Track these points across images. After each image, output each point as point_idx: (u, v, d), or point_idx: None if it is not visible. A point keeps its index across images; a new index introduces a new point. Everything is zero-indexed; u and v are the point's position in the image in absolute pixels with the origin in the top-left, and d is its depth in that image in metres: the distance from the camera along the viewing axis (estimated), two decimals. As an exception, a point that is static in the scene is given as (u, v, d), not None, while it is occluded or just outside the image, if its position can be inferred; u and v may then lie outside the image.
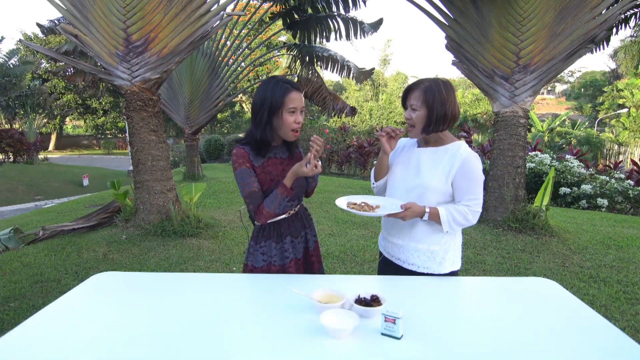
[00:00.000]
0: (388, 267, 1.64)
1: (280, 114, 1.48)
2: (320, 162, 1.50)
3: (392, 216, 1.45)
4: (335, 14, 7.64)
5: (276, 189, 1.50)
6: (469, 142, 10.25)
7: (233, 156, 1.54)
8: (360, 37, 7.94)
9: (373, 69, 9.25)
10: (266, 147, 1.54)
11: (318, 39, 8.15)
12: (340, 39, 7.96)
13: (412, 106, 1.50)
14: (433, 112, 1.46)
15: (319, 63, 8.74)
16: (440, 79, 1.52)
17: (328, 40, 8.07)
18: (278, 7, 7.89)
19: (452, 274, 1.56)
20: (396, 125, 25.38)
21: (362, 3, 7.09)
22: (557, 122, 22.98)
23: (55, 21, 8.29)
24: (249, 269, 1.62)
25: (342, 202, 1.57)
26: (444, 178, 1.48)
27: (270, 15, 8.26)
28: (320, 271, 1.76)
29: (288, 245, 1.61)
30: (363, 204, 1.53)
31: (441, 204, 1.49)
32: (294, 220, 1.65)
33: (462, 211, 1.45)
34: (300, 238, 1.66)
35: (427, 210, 1.44)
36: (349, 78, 8.85)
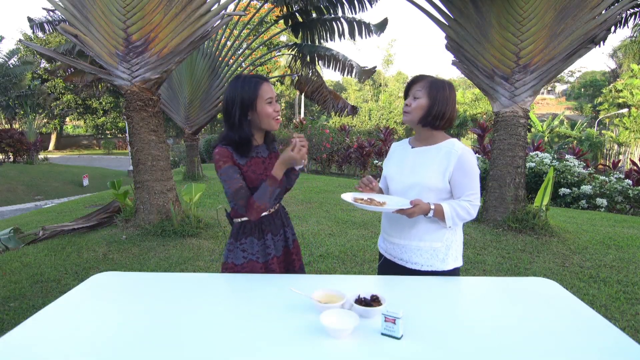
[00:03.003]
0: (390, 269, 1.64)
1: (255, 107, 1.49)
2: (306, 149, 1.50)
3: (401, 212, 1.44)
4: (340, 16, 7.64)
5: (265, 183, 1.49)
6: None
7: (216, 155, 1.51)
8: (366, 37, 7.96)
9: (375, 67, 9.26)
10: (247, 145, 1.53)
11: (322, 41, 8.14)
12: (343, 38, 7.96)
13: (415, 94, 1.51)
14: (434, 106, 1.48)
15: (320, 62, 8.73)
16: (444, 79, 1.54)
17: (333, 40, 8.07)
18: (279, 9, 7.89)
19: (455, 270, 1.57)
20: (396, 126, 25.38)
21: (368, 4, 7.09)
22: (556, 122, 23.00)
23: (51, 13, 8.13)
24: (229, 266, 1.60)
25: (348, 196, 1.55)
26: (440, 175, 1.49)
27: (274, 18, 8.26)
28: (301, 268, 1.76)
29: (270, 241, 1.61)
30: (370, 200, 1.52)
31: (439, 201, 1.50)
32: (274, 217, 1.65)
33: (465, 206, 1.47)
34: (279, 235, 1.67)
35: (432, 207, 1.45)
36: (351, 76, 8.87)
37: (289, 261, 1.72)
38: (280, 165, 1.49)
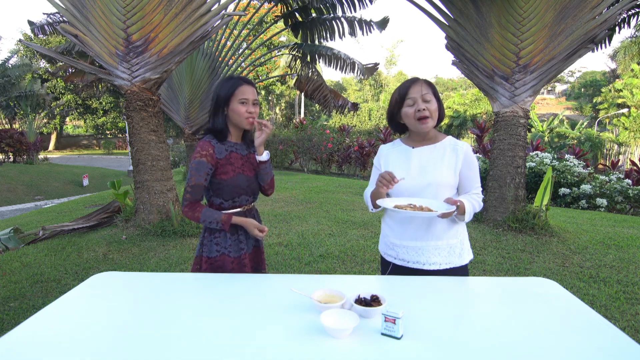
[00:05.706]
0: (401, 274, 1.60)
1: (230, 104, 1.61)
2: (262, 235, 1.65)
3: (445, 215, 1.41)
4: (341, 15, 7.63)
5: (220, 215, 1.59)
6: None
7: (197, 146, 1.61)
8: (367, 34, 7.97)
9: (377, 63, 9.24)
10: (224, 135, 1.65)
11: (322, 40, 8.12)
12: (344, 36, 7.95)
13: (424, 96, 1.48)
14: (442, 105, 1.54)
15: (321, 61, 8.71)
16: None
17: (333, 39, 8.02)
18: (279, 7, 7.89)
19: (467, 265, 1.61)
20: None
21: (367, 2, 7.09)
22: (555, 122, 23.01)
23: (51, 16, 8.15)
24: (203, 259, 1.66)
25: (388, 203, 1.48)
26: (452, 172, 1.52)
27: (273, 17, 8.25)
28: (264, 268, 1.85)
29: (242, 237, 1.68)
30: (413, 206, 1.46)
31: (452, 197, 1.50)
32: (247, 215, 1.71)
33: (478, 200, 1.52)
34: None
35: (459, 203, 1.45)
36: (354, 74, 8.88)
37: (259, 260, 1.79)
38: (243, 222, 1.62)
